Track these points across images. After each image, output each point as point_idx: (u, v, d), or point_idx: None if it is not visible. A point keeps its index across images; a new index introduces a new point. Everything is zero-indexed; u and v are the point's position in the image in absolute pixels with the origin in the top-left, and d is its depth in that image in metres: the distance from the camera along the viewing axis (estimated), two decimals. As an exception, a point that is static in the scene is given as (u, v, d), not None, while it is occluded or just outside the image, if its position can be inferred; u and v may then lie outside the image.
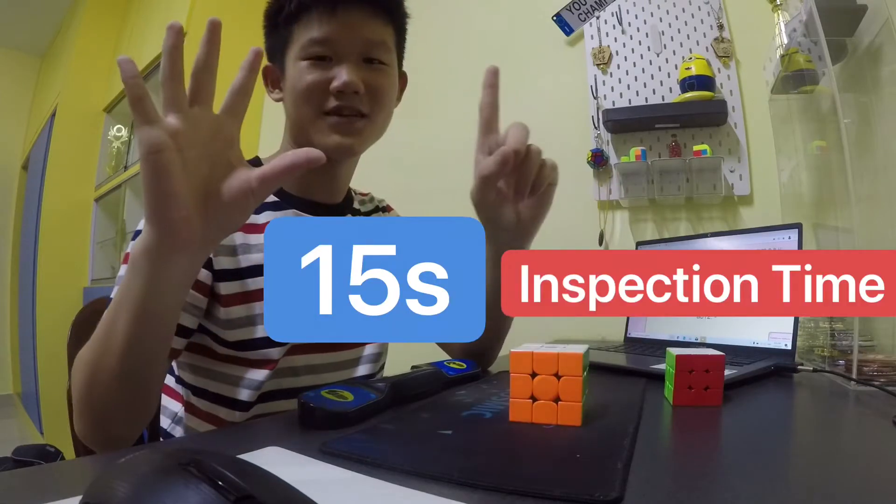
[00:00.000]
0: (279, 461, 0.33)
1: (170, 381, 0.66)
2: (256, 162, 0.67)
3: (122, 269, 0.55)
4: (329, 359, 0.67)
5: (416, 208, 1.70)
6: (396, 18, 0.66)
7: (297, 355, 0.63)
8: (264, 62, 0.67)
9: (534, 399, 0.42)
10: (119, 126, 2.79)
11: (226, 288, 0.59)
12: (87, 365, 0.44)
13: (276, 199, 0.64)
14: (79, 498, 0.21)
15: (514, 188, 0.61)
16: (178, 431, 0.64)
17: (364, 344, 0.72)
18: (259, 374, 0.60)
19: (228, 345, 0.60)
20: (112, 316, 0.43)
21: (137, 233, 0.57)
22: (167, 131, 0.38)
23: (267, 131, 2.31)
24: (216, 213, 0.42)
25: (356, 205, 0.76)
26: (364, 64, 0.62)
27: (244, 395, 0.60)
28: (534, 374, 0.42)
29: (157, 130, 0.38)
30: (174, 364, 0.64)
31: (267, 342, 0.61)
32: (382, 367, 0.75)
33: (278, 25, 0.63)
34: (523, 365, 0.42)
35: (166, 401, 0.66)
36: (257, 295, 0.61)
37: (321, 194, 0.68)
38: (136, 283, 0.41)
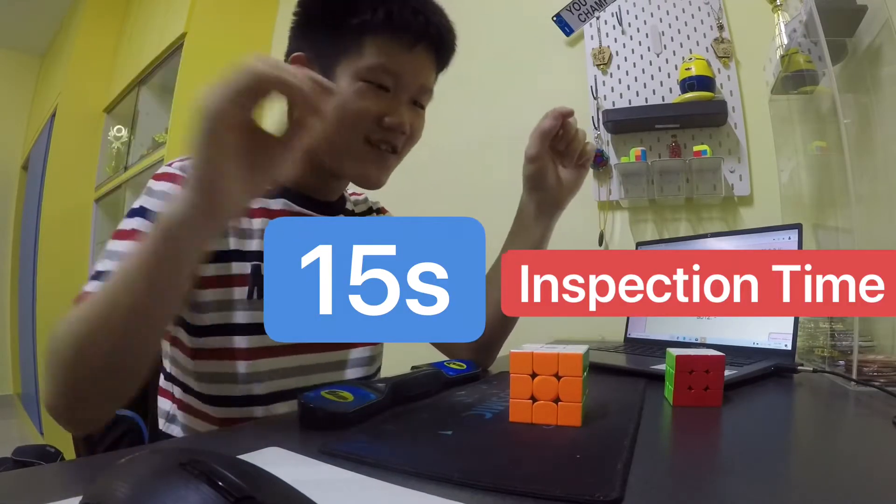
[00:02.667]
0: (279, 461, 0.33)
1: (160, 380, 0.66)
2: None
3: (116, 245, 0.53)
4: (312, 359, 0.66)
5: (416, 207, 1.70)
6: (442, 69, 0.68)
7: (288, 356, 0.63)
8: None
9: (534, 399, 0.42)
10: (119, 126, 2.78)
11: (203, 269, 0.58)
12: (77, 340, 0.42)
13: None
14: (79, 498, 0.21)
15: (563, 152, 0.71)
16: (174, 430, 0.63)
17: (353, 347, 0.72)
18: (241, 367, 0.59)
19: (199, 331, 0.59)
20: (118, 289, 0.42)
21: (135, 210, 0.56)
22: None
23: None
24: (257, 179, 0.44)
25: (349, 206, 0.76)
26: (411, 106, 0.63)
27: (231, 390, 0.59)
28: (534, 375, 0.42)
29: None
30: (165, 362, 0.64)
31: (240, 329, 0.60)
32: (378, 370, 0.75)
33: (345, 27, 0.59)
34: (523, 365, 0.42)
35: (160, 402, 0.66)
36: (239, 280, 0.60)
37: (316, 191, 0.68)
38: (164, 252, 0.41)
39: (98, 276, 0.52)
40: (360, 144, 0.61)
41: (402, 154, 0.65)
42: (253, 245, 0.62)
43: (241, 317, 0.60)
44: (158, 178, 0.58)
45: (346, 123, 0.59)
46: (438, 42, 0.62)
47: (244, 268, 0.61)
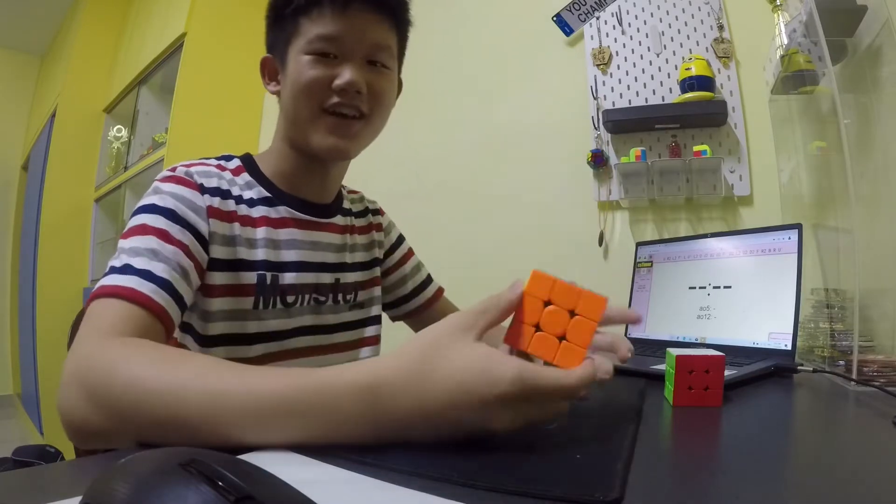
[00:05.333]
0: (279, 461, 0.33)
1: None
2: (248, 159, 0.67)
3: (130, 241, 0.52)
4: (317, 363, 0.67)
5: (415, 208, 1.70)
6: (401, 24, 0.67)
7: (295, 362, 0.63)
8: (263, 53, 0.67)
9: (537, 329, 0.38)
10: (119, 126, 2.78)
11: (211, 278, 0.58)
12: (159, 409, 0.36)
13: (268, 194, 0.65)
14: (79, 498, 0.21)
15: None
16: None
17: (360, 347, 0.73)
18: None
19: (208, 340, 0.59)
20: (217, 410, 0.35)
21: (145, 206, 0.55)
22: None
23: (267, 131, 2.31)
24: None
25: (346, 204, 0.76)
26: (368, 65, 0.62)
27: None
28: (547, 303, 0.38)
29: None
30: None
31: (248, 338, 0.60)
32: None
33: (285, 17, 0.62)
34: (541, 288, 0.38)
35: None
36: (246, 289, 0.60)
37: (312, 194, 0.69)
38: (296, 423, 0.34)
39: (115, 270, 0.50)
40: (318, 115, 0.61)
41: (372, 119, 0.64)
42: (258, 255, 0.62)
43: (248, 326, 0.61)
44: (164, 179, 0.58)
45: (301, 96, 0.60)
46: None
47: (251, 277, 0.61)
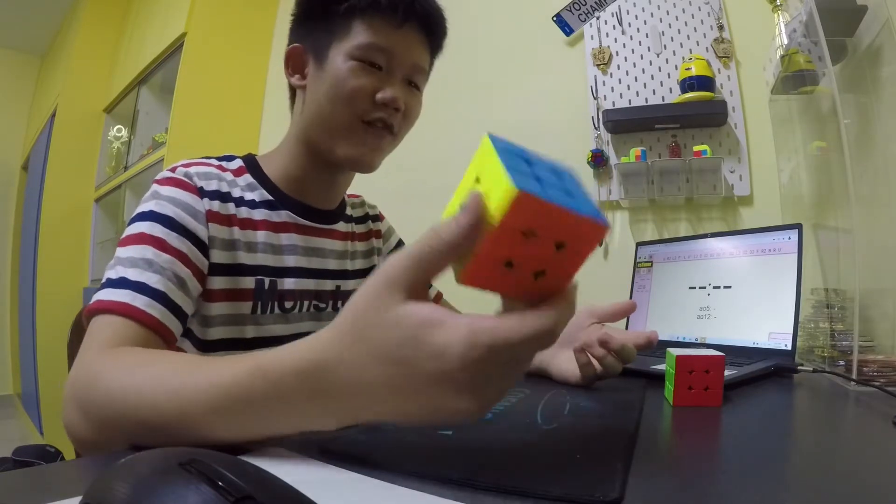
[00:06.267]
0: (279, 461, 0.33)
1: None
2: (251, 160, 0.67)
3: (127, 251, 0.52)
4: None
5: (414, 209, 1.70)
6: (435, 52, 0.68)
7: None
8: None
9: (507, 264, 0.28)
10: (119, 126, 2.78)
11: (211, 283, 0.58)
12: (133, 423, 0.36)
13: (270, 198, 0.64)
14: (79, 498, 0.21)
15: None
16: None
17: None
18: None
19: (207, 345, 0.59)
20: (199, 411, 0.33)
21: (143, 214, 0.54)
22: None
23: (267, 131, 2.31)
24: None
25: (348, 210, 0.76)
26: (405, 85, 0.63)
27: None
28: (527, 233, 0.26)
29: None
30: None
31: (247, 343, 0.60)
32: None
33: (334, 13, 0.60)
34: (524, 217, 0.26)
35: None
36: (247, 294, 0.60)
37: (317, 199, 0.68)
38: (278, 414, 0.32)
39: (110, 283, 0.50)
40: (355, 124, 0.61)
41: (398, 135, 0.65)
42: (258, 259, 0.62)
43: (246, 331, 0.61)
44: (163, 182, 0.58)
45: (341, 102, 0.60)
46: (426, 21, 0.62)
47: (249, 282, 0.61)
